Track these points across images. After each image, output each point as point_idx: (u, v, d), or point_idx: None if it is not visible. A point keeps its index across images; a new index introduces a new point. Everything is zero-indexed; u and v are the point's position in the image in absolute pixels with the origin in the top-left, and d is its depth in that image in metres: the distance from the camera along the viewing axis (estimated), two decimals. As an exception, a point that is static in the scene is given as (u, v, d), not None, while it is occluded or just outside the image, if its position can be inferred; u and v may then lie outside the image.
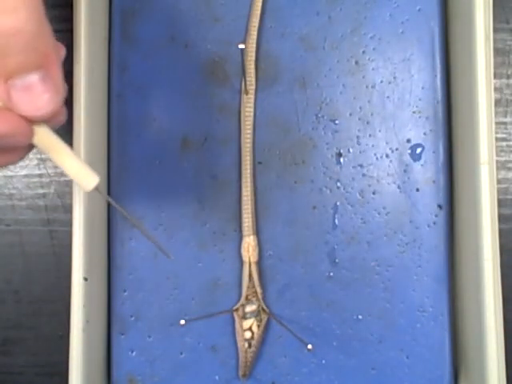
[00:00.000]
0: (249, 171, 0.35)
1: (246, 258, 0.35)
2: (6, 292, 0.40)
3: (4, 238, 0.40)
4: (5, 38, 0.20)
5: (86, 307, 0.33)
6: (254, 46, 0.35)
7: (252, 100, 0.36)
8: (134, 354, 0.35)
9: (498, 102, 0.39)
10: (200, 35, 0.36)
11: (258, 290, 0.35)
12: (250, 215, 0.35)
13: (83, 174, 0.25)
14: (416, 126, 0.35)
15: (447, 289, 0.35)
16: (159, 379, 0.35)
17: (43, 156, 0.39)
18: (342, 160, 0.36)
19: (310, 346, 0.34)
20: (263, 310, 0.35)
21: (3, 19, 0.20)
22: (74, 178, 0.25)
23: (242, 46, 0.31)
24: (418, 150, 0.35)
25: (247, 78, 0.35)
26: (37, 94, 0.22)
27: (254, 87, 0.36)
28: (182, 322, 0.34)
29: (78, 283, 0.32)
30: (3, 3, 0.20)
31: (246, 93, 0.35)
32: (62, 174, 0.39)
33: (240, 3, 0.36)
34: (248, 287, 0.35)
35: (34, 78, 0.22)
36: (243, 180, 0.35)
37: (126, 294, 0.36)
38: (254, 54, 0.35)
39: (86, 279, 0.32)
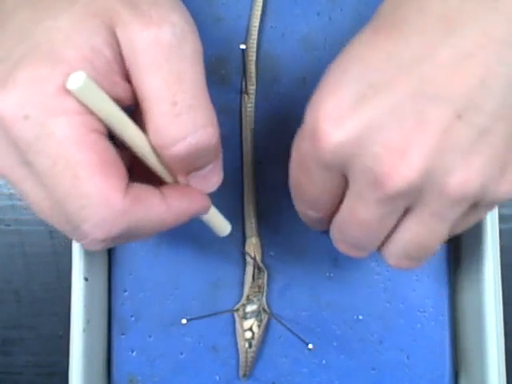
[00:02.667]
0: (250, 172, 0.35)
1: (250, 259, 0.35)
2: (6, 292, 0.40)
3: (4, 238, 0.40)
4: (196, 149, 0.24)
5: (87, 307, 0.33)
6: (255, 46, 0.35)
7: (252, 100, 0.36)
8: (134, 353, 0.35)
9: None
10: (201, 35, 0.36)
11: (265, 289, 0.35)
12: (252, 216, 0.35)
13: (219, 224, 0.31)
14: (416, 126, 0.35)
15: (447, 289, 0.35)
16: (159, 379, 0.35)
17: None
18: (342, 160, 0.36)
19: (310, 346, 0.34)
20: (264, 310, 0.35)
21: (197, 135, 0.23)
22: (213, 226, 0.30)
23: (243, 47, 0.31)
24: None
25: (248, 78, 0.35)
26: (209, 179, 0.27)
27: (254, 87, 0.36)
28: (184, 321, 0.34)
29: (78, 283, 0.32)
30: (195, 121, 0.23)
31: (247, 93, 0.35)
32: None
33: (241, 3, 0.36)
34: (250, 287, 0.35)
35: (208, 169, 0.26)
36: (245, 181, 0.35)
37: (126, 293, 0.36)
38: (254, 54, 0.36)
39: (86, 279, 0.32)
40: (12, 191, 0.40)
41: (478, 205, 0.23)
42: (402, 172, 0.22)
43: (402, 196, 0.22)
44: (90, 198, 0.22)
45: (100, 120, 0.23)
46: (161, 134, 0.23)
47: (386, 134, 0.22)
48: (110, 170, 0.22)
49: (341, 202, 0.25)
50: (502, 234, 0.33)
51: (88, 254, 0.33)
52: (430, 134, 0.21)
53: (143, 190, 0.24)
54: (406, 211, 0.24)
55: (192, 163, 0.25)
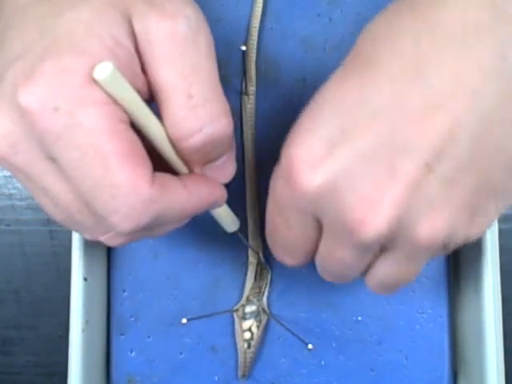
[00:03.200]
0: (252, 173, 0.35)
1: (253, 259, 0.35)
2: (6, 292, 0.40)
3: (4, 238, 0.40)
4: (212, 140, 0.24)
5: (86, 307, 0.33)
6: (255, 46, 0.35)
7: (253, 101, 0.36)
8: (133, 354, 0.35)
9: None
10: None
11: (268, 289, 0.35)
12: (254, 217, 0.35)
13: (229, 219, 0.31)
14: (416, 127, 0.35)
15: (446, 290, 0.35)
16: (158, 379, 0.35)
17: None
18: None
19: (310, 346, 0.34)
20: (263, 310, 0.35)
21: (212, 126, 0.24)
22: (223, 221, 0.30)
23: (243, 48, 0.31)
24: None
25: (248, 79, 0.35)
26: (224, 170, 0.27)
27: (254, 88, 0.36)
28: (184, 320, 0.34)
29: (77, 283, 0.32)
30: (210, 113, 0.24)
31: (247, 94, 0.35)
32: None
33: (241, 4, 0.36)
34: (251, 288, 0.35)
35: (222, 160, 0.26)
36: (247, 182, 0.35)
37: (125, 294, 0.36)
38: (254, 55, 0.36)
39: (85, 279, 0.33)
40: (12, 191, 0.40)
41: (450, 244, 0.24)
42: (373, 222, 0.22)
43: (374, 242, 0.23)
44: (120, 187, 0.22)
45: (124, 110, 0.23)
46: (177, 126, 0.23)
47: (358, 182, 0.22)
48: (137, 159, 0.22)
49: (318, 244, 0.26)
50: (502, 233, 0.33)
51: (87, 254, 0.33)
52: (400, 185, 0.21)
53: (167, 179, 0.24)
54: (382, 249, 0.24)
55: (208, 154, 0.25)
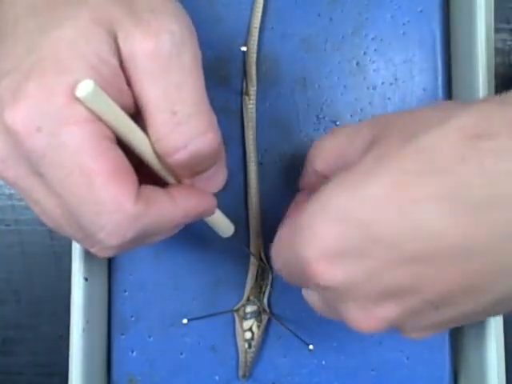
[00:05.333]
0: (253, 172, 0.35)
1: (254, 259, 0.35)
2: (5, 292, 0.40)
3: (4, 238, 0.40)
4: (198, 155, 0.24)
5: (86, 307, 0.33)
6: (255, 46, 0.35)
7: (253, 101, 0.36)
8: (134, 354, 0.35)
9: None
10: (201, 36, 0.36)
11: (269, 290, 0.35)
12: (255, 216, 0.35)
13: (222, 226, 0.31)
14: (417, 127, 0.35)
15: (447, 290, 0.35)
16: (159, 379, 0.35)
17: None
18: (342, 161, 0.36)
19: (311, 347, 0.34)
20: (264, 310, 0.35)
21: (197, 142, 0.24)
22: (216, 227, 0.31)
23: (244, 49, 0.31)
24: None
25: (248, 79, 0.35)
26: (213, 180, 0.27)
27: (255, 88, 0.36)
28: (185, 320, 0.34)
29: (78, 283, 0.32)
30: (195, 129, 0.24)
31: (248, 94, 0.35)
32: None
33: (241, 4, 0.36)
34: (252, 288, 0.35)
35: (212, 171, 0.27)
36: (248, 182, 0.35)
37: (126, 294, 0.36)
38: (255, 55, 0.35)
39: (86, 279, 0.32)
40: (12, 191, 0.40)
41: None
42: (365, 329, 0.23)
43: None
44: (105, 205, 0.22)
45: (108, 127, 0.23)
46: (162, 142, 0.24)
47: (359, 293, 0.22)
48: (122, 176, 0.22)
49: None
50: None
51: (88, 254, 0.33)
52: (398, 310, 0.23)
53: (153, 192, 0.24)
54: None
55: (195, 168, 0.25)
